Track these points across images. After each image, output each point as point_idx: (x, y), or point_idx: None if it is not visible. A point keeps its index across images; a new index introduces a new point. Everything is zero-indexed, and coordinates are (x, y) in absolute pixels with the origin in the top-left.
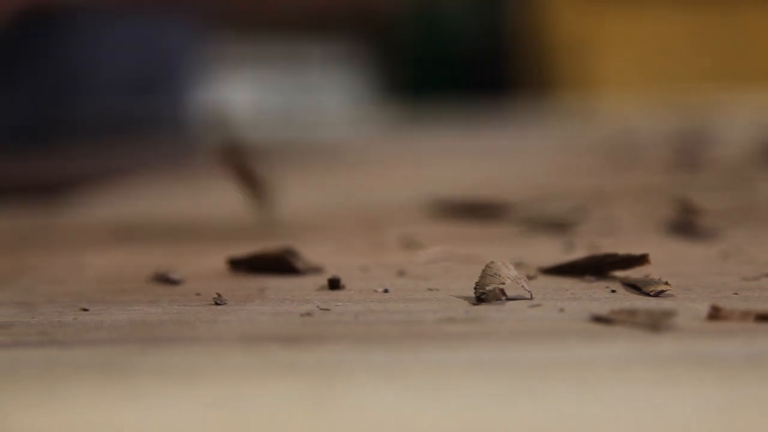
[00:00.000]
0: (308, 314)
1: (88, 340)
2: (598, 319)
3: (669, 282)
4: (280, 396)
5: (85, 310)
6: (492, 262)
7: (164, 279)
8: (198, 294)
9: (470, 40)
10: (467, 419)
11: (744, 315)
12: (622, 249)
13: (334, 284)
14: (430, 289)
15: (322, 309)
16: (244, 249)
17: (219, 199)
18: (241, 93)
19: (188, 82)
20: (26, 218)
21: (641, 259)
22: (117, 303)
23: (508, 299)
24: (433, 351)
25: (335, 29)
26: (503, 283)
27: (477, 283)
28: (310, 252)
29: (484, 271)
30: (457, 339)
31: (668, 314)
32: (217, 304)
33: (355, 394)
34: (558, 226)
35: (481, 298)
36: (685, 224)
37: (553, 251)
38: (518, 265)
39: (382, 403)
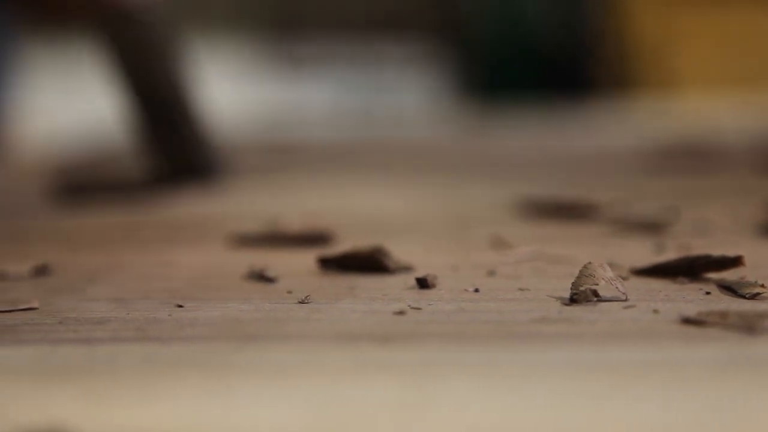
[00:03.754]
0: (400, 313)
1: (184, 337)
2: (688, 321)
3: (765, 284)
4: (375, 394)
5: (180, 306)
6: (589, 262)
7: (260, 277)
8: (289, 292)
9: (549, 40)
10: (562, 419)
11: None
12: (714, 250)
13: (424, 283)
14: (521, 289)
15: (413, 308)
16: (333, 248)
17: (306, 198)
18: (320, 92)
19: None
20: (119, 215)
21: (735, 261)
22: (210, 300)
23: (601, 300)
24: (526, 351)
25: (413, 29)
26: (596, 284)
27: (573, 284)
28: (398, 251)
29: (581, 271)
30: (551, 339)
31: (763, 316)
32: (302, 303)
33: (450, 393)
34: (648, 226)
35: (572, 298)
36: None
37: (643, 252)
38: (609, 266)
39: (476, 402)
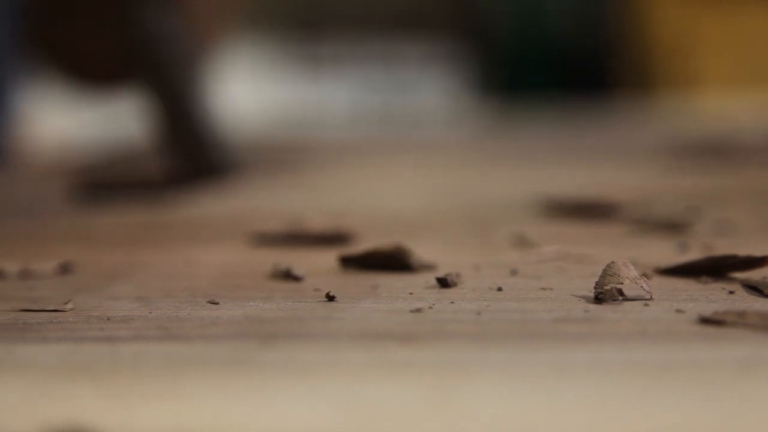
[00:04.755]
0: (422, 312)
1: (207, 336)
2: (706, 320)
3: None
4: (397, 393)
5: (216, 303)
6: (613, 262)
7: (286, 276)
8: (316, 290)
9: (569, 39)
10: (584, 419)
11: None
12: (737, 250)
13: (446, 282)
14: (544, 289)
15: (435, 307)
16: (354, 247)
17: (327, 197)
18: (340, 91)
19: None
20: (141, 214)
21: (762, 261)
22: (231, 299)
23: (625, 299)
24: (549, 351)
25: (433, 28)
26: (621, 283)
27: (596, 283)
28: (420, 249)
29: (604, 270)
30: (574, 339)
31: None
32: (330, 298)
33: (472, 393)
34: (671, 226)
35: (597, 297)
36: None
37: (666, 252)
38: (632, 265)
39: (499, 402)
